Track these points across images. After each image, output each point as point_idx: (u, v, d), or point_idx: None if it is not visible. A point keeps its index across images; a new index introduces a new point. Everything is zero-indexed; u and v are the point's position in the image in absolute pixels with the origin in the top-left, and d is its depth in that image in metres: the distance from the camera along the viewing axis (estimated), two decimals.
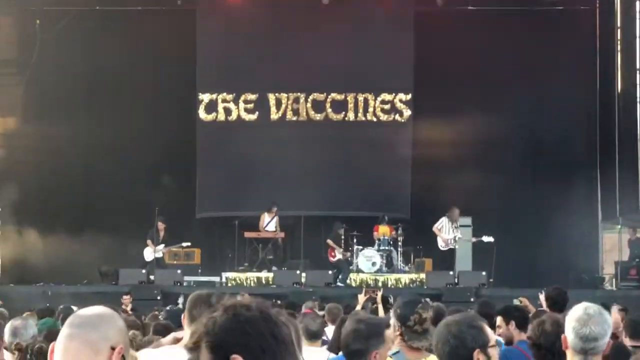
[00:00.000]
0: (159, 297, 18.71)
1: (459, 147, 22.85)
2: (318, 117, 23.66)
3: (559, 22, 22.91)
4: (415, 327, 6.55)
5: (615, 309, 10.48)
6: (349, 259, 21.32)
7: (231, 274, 21.09)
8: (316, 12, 22.95)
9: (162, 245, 21.07)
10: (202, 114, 23.71)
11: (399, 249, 21.79)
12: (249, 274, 20.99)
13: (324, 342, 8.64)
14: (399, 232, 21.86)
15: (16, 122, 23.53)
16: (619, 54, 23.07)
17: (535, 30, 22.90)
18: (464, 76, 22.86)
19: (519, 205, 22.43)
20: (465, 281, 19.57)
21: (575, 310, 5.67)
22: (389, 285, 20.22)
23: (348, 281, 20.74)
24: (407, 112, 23.53)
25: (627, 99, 22.67)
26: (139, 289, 18.93)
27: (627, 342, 8.42)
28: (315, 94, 23.61)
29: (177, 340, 6.20)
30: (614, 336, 7.38)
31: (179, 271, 20.28)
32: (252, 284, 20.66)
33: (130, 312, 13.68)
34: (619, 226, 22.42)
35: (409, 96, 23.46)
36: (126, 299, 16.47)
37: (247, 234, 21.74)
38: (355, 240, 21.60)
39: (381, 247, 21.44)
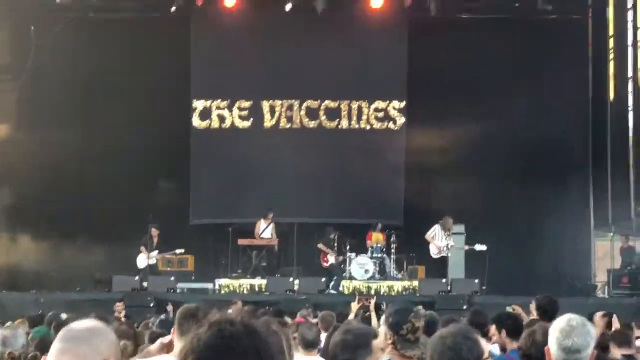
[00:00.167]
0: (152, 304, 18.69)
1: (452, 155, 22.91)
2: (312, 124, 23.71)
3: (551, 31, 23.00)
4: (408, 336, 6.56)
5: (598, 315, 10.52)
6: (342, 264, 21.35)
7: (224, 281, 21.10)
8: (310, 20, 23.01)
9: (155, 252, 21.06)
10: (196, 120, 23.75)
11: (392, 257, 21.81)
12: (242, 281, 20.99)
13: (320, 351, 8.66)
14: (392, 239, 21.89)
15: (10, 128, 23.52)
16: (611, 62, 23.16)
17: (528, 39, 22.97)
18: (457, 84, 22.92)
19: (511, 212, 22.49)
20: (458, 289, 19.59)
21: (559, 322, 5.70)
22: (382, 293, 20.24)
23: (341, 288, 20.75)
24: (401, 120, 23.59)
25: (619, 107, 22.76)
26: (132, 296, 18.91)
27: (616, 351, 8.44)
28: (309, 101, 23.67)
29: (163, 346, 6.21)
30: (599, 345, 7.40)
31: (172, 278, 20.26)
32: (245, 291, 20.66)
33: (123, 320, 13.67)
34: (612, 234, 22.46)
35: (403, 104, 23.53)
36: (119, 306, 16.44)
37: (241, 241, 21.74)
38: (348, 248, 21.63)
39: (374, 255, 21.47)
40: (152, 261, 21.01)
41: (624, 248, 21.48)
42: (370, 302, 13.06)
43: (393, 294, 20.49)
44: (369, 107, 23.65)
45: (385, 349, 6.54)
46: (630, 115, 22.36)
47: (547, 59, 22.71)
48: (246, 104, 23.71)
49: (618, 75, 22.99)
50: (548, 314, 8.87)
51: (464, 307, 18.25)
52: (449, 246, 20.29)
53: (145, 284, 19.99)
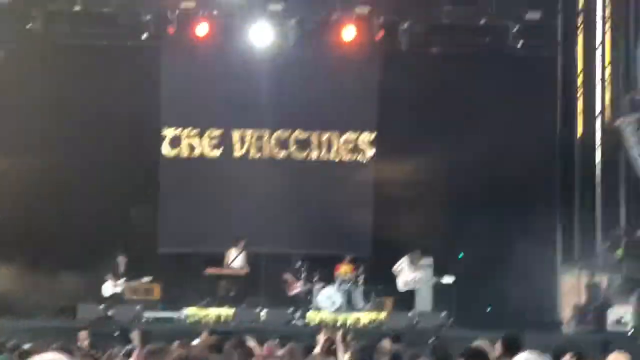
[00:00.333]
0: (117, 334, 18.54)
1: (421, 187, 23.00)
2: (282, 154, 23.74)
3: (521, 66, 23.17)
4: None
5: (567, 356, 10.54)
6: (308, 295, 21.33)
7: (191, 310, 20.99)
8: (282, 51, 23.11)
9: (122, 280, 20.95)
10: (165, 149, 23.71)
11: (360, 288, 21.81)
12: (209, 311, 20.89)
13: None
14: (359, 271, 21.89)
15: None
16: (579, 99, 23.37)
17: (498, 73, 23.13)
18: (427, 117, 23.06)
19: (479, 246, 22.53)
20: (425, 322, 19.60)
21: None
22: (349, 325, 20.20)
23: (307, 320, 20.69)
24: (370, 152, 23.68)
25: (587, 144, 22.95)
26: (97, 325, 18.73)
27: None
28: (279, 131, 23.71)
29: None
30: None
31: (138, 307, 20.14)
32: (211, 321, 20.56)
33: (87, 350, 13.56)
34: (578, 269, 22.59)
35: (373, 136, 23.62)
36: (83, 334, 16.27)
37: (209, 270, 21.68)
38: (315, 279, 21.61)
39: (341, 286, 21.46)
40: (119, 289, 20.89)
41: (590, 285, 21.59)
42: (336, 335, 13.03)
43: (360, 326, 20.44)
44: (339, 139, 23.73)
45: None
46: (598, 151, 22.55)
47: (517, 94, 22.87)
48: (216, 133, 23.72)
49: (586, 111, 23.21)
50: (512, 350, 8.91)
51: (431, 340, 18.29)
52: (417, 279, 20.31)
53: (110, 312, 19.85)
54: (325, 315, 20.86)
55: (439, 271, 21.06)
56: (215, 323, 20.25)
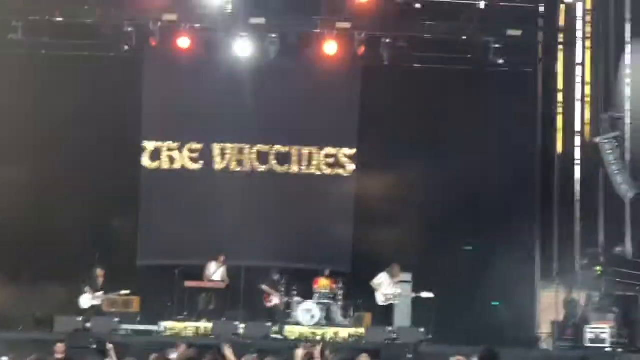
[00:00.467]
0: (94, 346, 18.44)
1: (401, 203, 23.03)
2: (262, 168, 23.74)
3: (502, 83, 23.27)
4: None
5: None
6: (286, 307, 21.30)
7: (169, 324, 20.92)
8: (263, 65, 23.12)
9: (100, 293, 20.86)
10: (146, 161, 23.65)
11: (339, 303, 21.81)
12: (187, 324, 20.83)
13: None
14: (339, 285, 21.90)
15: None
16: (559, 116, 23.48)
17: (479, 89, 23.21)
18: (408, 132, 23.13)
19: (458, 262, 22.56)
20: (404, 337, 19.59)
21: None
22: (328, 339, 20.18)
23: (286, 333, 20.65)
24: (351, 166, 23.70)
25: (566, 161, 23.05)
26: (74, 337, 18.62)
27: None
28: (259, 145, 23.71)
29: None
30: None
31: (116, 319, 20.05)
32: (190, 334, 20.50)
33: None
34: (556, 285, 22.65)
35: (353, 151, 23.64)
36: (60, 347, 16.16)
37: (188, 283, 21.64)
38: (295, 292, 21.60)
39: (320, 300, 21.46)
40: (97, 302, 20.80)
41: (568, 300, 21.66)
42: (315, 349, 13.00)
43: (339, 340, 20.42)
44: (319, 153, 23.75)
45: None
46: (577, 168, 22.65)
47: (497, 110, 22.94)
48: (197, 146, 23.69)
49: (565, 128, 23.32)
50: None
51: (409, 355, 18.30)
52: (396, 294, 20.31)
53: (88, 324, 19.75)
54: (304, 329, 20.83)
55: (418, 286, 21.06)
56: (194, 336, 20.20)
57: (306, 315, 21.24)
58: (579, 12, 23.01)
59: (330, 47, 22.95)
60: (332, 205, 23.41)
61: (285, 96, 23.29)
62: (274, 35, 22.82)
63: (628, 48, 20.72)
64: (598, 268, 20.89)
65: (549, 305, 22.50)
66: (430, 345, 19.50)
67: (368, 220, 23.03)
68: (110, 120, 22.99)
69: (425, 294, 20.31)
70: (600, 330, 19.55)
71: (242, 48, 23.03)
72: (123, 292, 21.15)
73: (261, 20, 22.69)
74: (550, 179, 23.39)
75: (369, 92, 23.28)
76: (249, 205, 23.26)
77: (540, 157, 23.78)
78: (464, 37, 22.93)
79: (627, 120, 20.39)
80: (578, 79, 22.83)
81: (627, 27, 20.65)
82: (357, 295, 22.03)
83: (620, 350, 19.10)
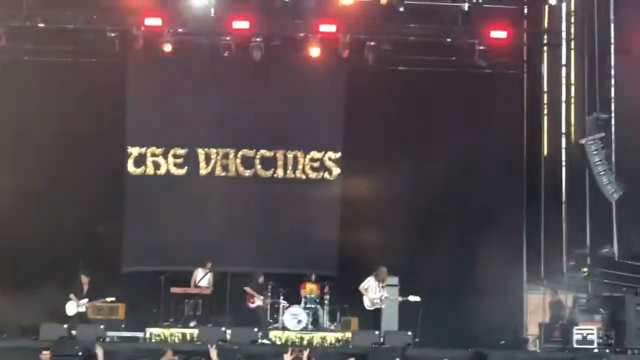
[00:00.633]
0: (80, 353, 18.33)
1: (387, 206, 23.00)
2: (247, 173, 23.67)
3: (488, 85, 23.27)
4: None
5: None
6: (267, 309, 21.25)
7: (155, 330, 20.83)
8: (248, 69, 23.07)
9: (85, 300, 20.75)
10: (130, 167, 23.56)
11: (326, 307, 21.76)
12: (174, 330, 20.74)
13: None
14: (325, 290, 21.85)
15: None
16: (545, 118, 23.48)
17: (465, 92, 23.22)
18: (393, 135, 23.12)
19: (445, 265, 22.51)
20: (391, 341, 19.52)
21: None
22: (315, 344, 20.14)
23: (273, 338, 20.56)
24: (336, 170, 23.65)
25: (552, 163, 23.04)
26: (59, 345, 18.53)
27: None
28: (244, 150, 23.64)
29: None
30: None
31: (101, 326, 19.94)
32: (176, 340, 20.41)
33: None
34: (543, 287, 22.64)
35: (338, 154, 23.59)
36: (45, 354, 16.07)
37: (174, 290, 21.57)
38: (281, 297, 21.55)
39: (307, 305, 21.42)
40: (82, 309, 20.70)
41: (554, 302, 21.68)
42: (303, 354, 12.97)
43: (326, 345, 20.38)
44: (304, 157, 23.69)
45: None
46: (563, 170, 22.65)
47: (483, 112, 22.98)
48: (181, 151, 23.62)
49: (551, 130, 23.31)
50: None
51: (397, 359, 18.26)
52: (383, 298, 20.27)
53: (74, 332, 19.63)
54: (291, 334, 20.77)
55: (405, 290, 21.02)
56: (180, 342, 20.10)
57: (293, 320, 21.20)
58: (564, 14, 23.02)
59: (315, 51, 22.92)
60: (318, 210, 23.35)
61: (270, 100, 23.25)
62: (258, 39, 22.74)
63: (612, 49, 20.73)
64: (585, 269, 20.89)
65: (536, 307, 22.49)
66: (417, 348, 19.46)
67: (354, 224, 22.99)
68: (94, 126, 22.92)
69: (412, 298, 20.27)
70: (588, 332, 19.55)
71: (226, 52, 22.94)
72: (108, 299, 21.05)
73: (245, 24, 22.61)
74: (537, 181, 23.38)
75: (354, 95, 23.25)
76: (235, 210, 23.21)
77: (526, 158, 23.77)
78: (449, 40, 22.93)
79: (613, 122, 20.39)
80: (563, 81, 22.83)
81: (612, 28, 20.66)
82: (344, 300, 21.98)
83: (607, 351, 19.09)
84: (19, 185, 22.63)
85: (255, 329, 20.15)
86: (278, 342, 20.33)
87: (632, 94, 20.05)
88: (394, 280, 21.53)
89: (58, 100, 22.79)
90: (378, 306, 20.33)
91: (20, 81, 22.94)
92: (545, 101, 23.60)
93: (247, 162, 23.65)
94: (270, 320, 21.52)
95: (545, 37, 23.75)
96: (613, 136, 20.32)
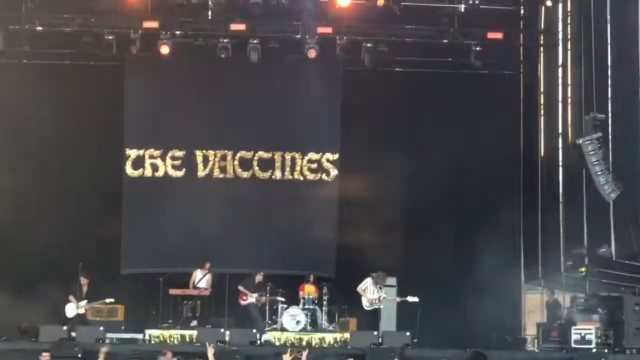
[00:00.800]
0: (79, 355, 18.36)
1: (385, 207, 23.05)
2: (245, 174, 23.71)
3: (485, 86, 23.32)
4: None
5: None
6: (259, 304, 21.29)
7: (155, 331, 20.84)
8: (245, 70, 23.10)
9: (84, 302, 20.77)
10: (129, 169, 23.59)
11: (324, 308, 21.79)
12: (173, 332, 20.76)
13: None
14: (324, 291, 21.89)
15: None
16: (541, 118, 23.52)
17: (462, 93, 23.26)
18: (391, 136, 23.17)
19: (443, 265, 22.59)
20: (390, 341, 19.54)
21: None
22: (314, 345, 20.16)
23: (272, 339, 20.57)
24: (334, 172, 23.70)
25: (549, 163, 23.09)
26: (59, 347, 18.55)
27: None
28: (242, 151, 23.68)
29: None
30: None
31: (101, 328, 19.95)
32: (175, 342, 20.42)
33: None
34: (541, 287, 22.67)
35: (336, 156, 23.64)
36: (45, 356, 16.11)
37: (172, 291, 21.60)
38: (280, 299, 21.57)
39: (306, 306, 21.44)
40: (81, 311, 20.72)
41: (550, 302, 21.70)
42: (302, 355, 13.00)
43: (325, 346, 20.39)
44: (302, 159, 23.73)
45: None
46: (560, 171, 22.69)
47: (480, 113, 23.01)
48: (179, 153, 23.66)
49: (548, 130, 23.36)
50: None
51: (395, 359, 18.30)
52: (381, 298, 20.30)
53: (73, 334, 19.65)
54: (290, 335, 20.80)
55: (403, 290, 21.06)
56: (179, 344, 20.12)
57: (292, 321, 21.22)
58: (560, 14, 23.07)
59: (312, 53, 22.92)
60: (316, 211, 23.41)
61: (267, 102, 23.29)
62: (255, 41, 22.78)
63: (609, 48, 20.76)
64: (582, 269, 20.92)
65: (535, 307, 22.53)
66: (415, 349, 19.47)
67: (352, 225, 23.04)
68: (92, 129, 23.00)
69: (410, 298, 20.30)
70: (586, 332, 19.56)
71: (224, 54, 22.97)
72: (107, 300, 21.07)
73: (242, 26, 22.65)
74: (534, 181, 23.43)
75: (351, 97, 23.30)
76: (233, 211, 23.25)
77: (523, 159, 23.83)
78: (445, 41, 22.98)
79: (609, 122, 20.43)
80: (560, 81, 22.88)
81: (608, 28, 20.70)
82: (342, 301, 22.01)
83: (606, 351, 19.11)
84: (17, 188, 22.66)
85: (254, 330, 20.19)
86: (277, 343, 20.35)
87: (629, 94, 20.09)
88: (392, 280, 21.57)
89: (56, 103, 22.81)
90: (376, 306, 20.36)
91: (19, 84, 22.96)
92: (542, 102, 23.65)
93: (245, 164, 23.69)
94: (269, 322, 21.53)
95: (542, 37, 23.79)
96: (610, 136, 20.35)
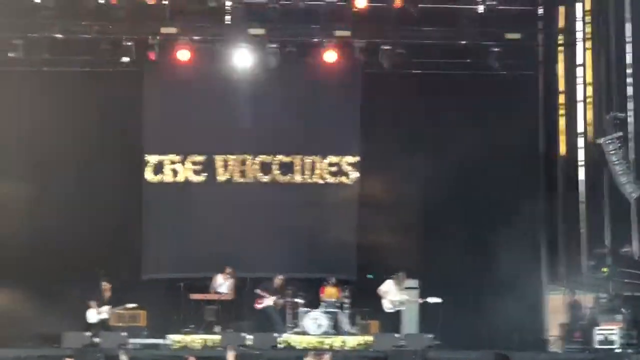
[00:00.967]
0: None
1: (405, 209, 23.03)
2: (265, 179, 23.73)
3: (503, 86, 23.23)
4: None
5: None
6: (278, 307, 21.30)
7: (177, 336, 20.87)
8: (263, 75, 23.12)
9: (107, 307, 20.85)
10: (149, 175, 23.65)
11: (346, 311, 21.76)
12: (195, 336, 20.79)
13: None
14: (345, 293, 21.86)
15: None
16: (561, 118, 23.45)
17: (481, 94, 23.19)
18: (410, 138, 23.15)
19: (464, 267, 22.53)
20: (412, 343, 19.54)
21: None
22: (336, 348, 20.14)
23: (293, 342, 20.56)
24: (354, 174, 23.69)
25: (569, 163, 23.01)
26: (82, 353, 18.63)
27: None
28: (262, 155, 23.70)
29: None
30: None
31: (124, 334, 20.03)
32: (198, 347, 20.45)
33: None
34: (563, 287, 22.59)
35: (356, 158, 23.64)
36: None
37: (194, 296, 21.62)
38: (299, 301, 21.57)
39: (327, 309, 21.42)
40: (105, 316, 20.79)
41: (571, 303, 21.59)
42: (324, 358, 13.01)
43: (347, 348, 20.37)
44: (322, 162, 23.74)
45: None
46: (581, 169, 22.61)
47: (499, 114, 22.94)
48: (199, 158, 23.70)
49: (568, 130, 23.28)
50: None
51: None
52: (403, 300, 20.28)
53: (96, 339, 19.72)
54: (312, 338, 20.79)
55: (425, 292, 21.03)
56: (201, 349, 20.15)
57: (313, 324, 21.20)
58: (579, 13, 22.99)
59: (330, 56, 22.96)
60: (336, 214, 23.40)
61: (286, 106, 23.31)
62: (273, 45, 22.81)
63: (629, 47, 20.69)
64: (605, 269, 20.84)
65: (558, 307, 22.43)
66: (438, 350, 19.45)
67: (373, 227, 23.02)
68: (112, 135, 23.08)
69: (432, 300, 20.28)
70: (609, 332, 19.50)
71: (242, 59, 23.04)
72: (129, 305, 21.14)
73: (260, 31, 22.72)
74: (554, 181, 23.35)
75: (370, 100, 23.30)
76: (253, 216, 23.26)
77: (543, 159, 23.75)
78: (463, 42, 22.95)
79: (630, 120, 20.35)
80: (579, 80, 22.80)
81: (628, 26, 20.63)
82: (364, 303, 21.99)
83: (630, 351, 19.04)
84: (37, 195, 22.75)
85: (275, 334, 20.19)
86: (298, 347, 20.35)
87: None
88: (414, 282, 21.54)
89: (76, 110, 22.92)
90: (398, 308, 20.34)
91: (38, 92, 23.06)
92: (562, 102, 23.57)
93: (265, 168, 23.72)
94: (290, 325, 21.53)
95: (561, 37, 23.71)
96: (631, 135, 20.28)
